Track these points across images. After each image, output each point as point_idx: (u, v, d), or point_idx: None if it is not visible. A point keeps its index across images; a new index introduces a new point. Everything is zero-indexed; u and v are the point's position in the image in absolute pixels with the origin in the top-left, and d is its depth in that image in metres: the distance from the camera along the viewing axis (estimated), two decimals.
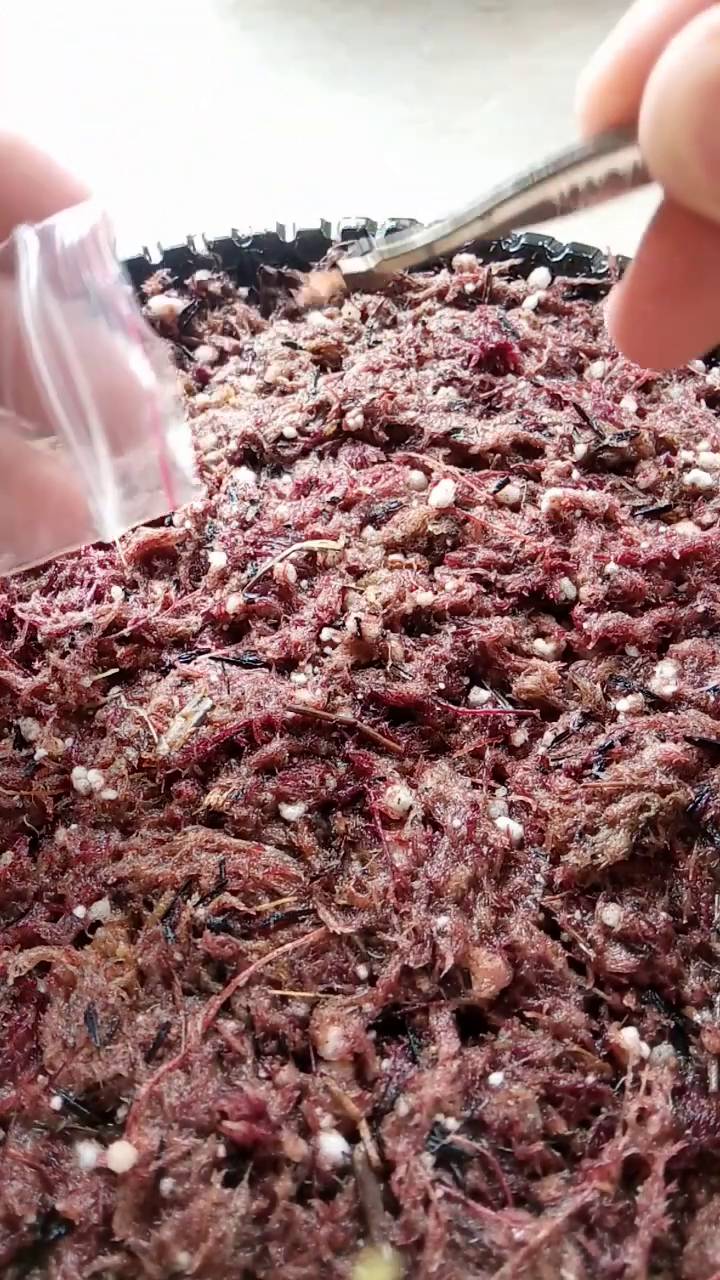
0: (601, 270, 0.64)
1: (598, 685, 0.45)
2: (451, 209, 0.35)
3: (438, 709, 0.44)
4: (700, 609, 0.47)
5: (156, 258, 0.64)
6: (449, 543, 0.50)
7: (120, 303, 0.35)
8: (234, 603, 0.47)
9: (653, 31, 0.26)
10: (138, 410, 0.35)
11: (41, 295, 0.34)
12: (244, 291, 0.66)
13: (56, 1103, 0.34)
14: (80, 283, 0.34)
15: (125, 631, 0.46)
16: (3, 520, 0.37)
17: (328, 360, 0.60)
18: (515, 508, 0.51)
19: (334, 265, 0.37)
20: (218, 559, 0.48)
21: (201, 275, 0.64)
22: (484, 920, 0.37)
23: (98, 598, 0.48)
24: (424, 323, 0.61)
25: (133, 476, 0.36)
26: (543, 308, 0.63)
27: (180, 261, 0.65)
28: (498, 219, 0.34)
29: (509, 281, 0.64)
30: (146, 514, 0.38)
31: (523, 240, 0.65)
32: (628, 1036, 0.36)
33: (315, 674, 0.44)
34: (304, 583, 0.48)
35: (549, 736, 0.44)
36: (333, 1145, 0.33)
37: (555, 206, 0.33)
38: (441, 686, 0.45)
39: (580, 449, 0.53)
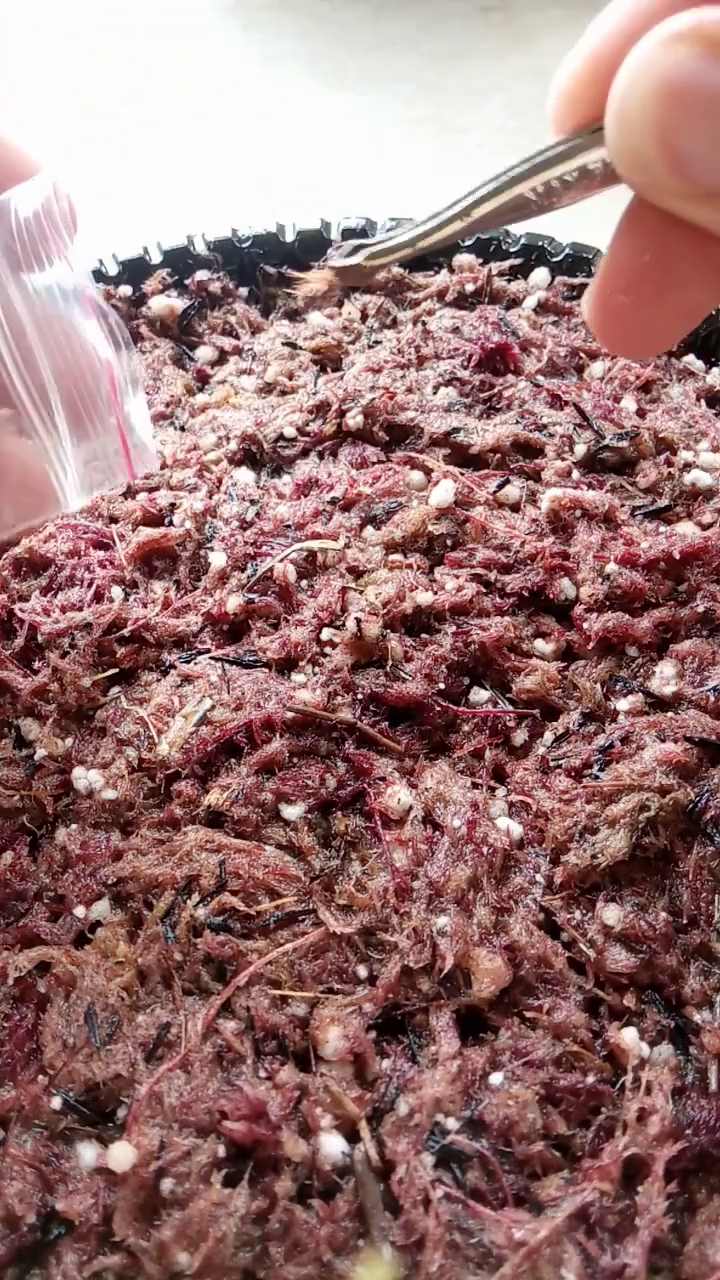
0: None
1: (598, 685, 0.45)
2: (433, 207, 0.37)
3: (438, 709, 0.44)
4: (700, 609, 0.47)
5: (156, 258, 0.64)
6: (449, 543, 0.50)
7: (75, 275, 0.35)
8: (234, 603, 0.47)
9: (617, 37, 0.28)
10: (96, 382, 0.35)
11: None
12: (244, 291, 0.66)
13: (56, 1103, 0.34)
14: (36, 256, 0.34)
15: (125, 631, 0.46)
16: None
17: (328, 360, 0.60)
18: (515, 508, 0.51)
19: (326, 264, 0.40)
20: (218, 559, 0.48)
21: (201, 275, 0.64)
22: (484, 920, 0.37)
23: (98, 598, 0.48)
24: (424, 323, 0.61)
25: (92, 447, 0.36)
26: (543, 308, 0.63)
27: (180, 261, 0.65)
28: (476, 215, 0.36)
29: (509, 281, 0.64)
30: (106, 485, 0.38)
31: (523, 240, 0.65)
32: (628, 1036, 0.36)
33: (315, 674, 0.44)
34: (304, 583, 0.48)
35: (549, 736, 0.44)
36: (333, 1145, 0.33)
37: (531, 203, 0.35)
38: (441, 686, 0.45)
39: (580, 449, 0.53)
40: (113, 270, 0.64)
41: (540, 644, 0.47)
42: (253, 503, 0.51)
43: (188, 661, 0.46)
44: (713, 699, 0.44)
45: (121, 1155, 0.32)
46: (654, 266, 0.32)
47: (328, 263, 0.40)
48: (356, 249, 0.39)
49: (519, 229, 0.66)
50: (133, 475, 0.38)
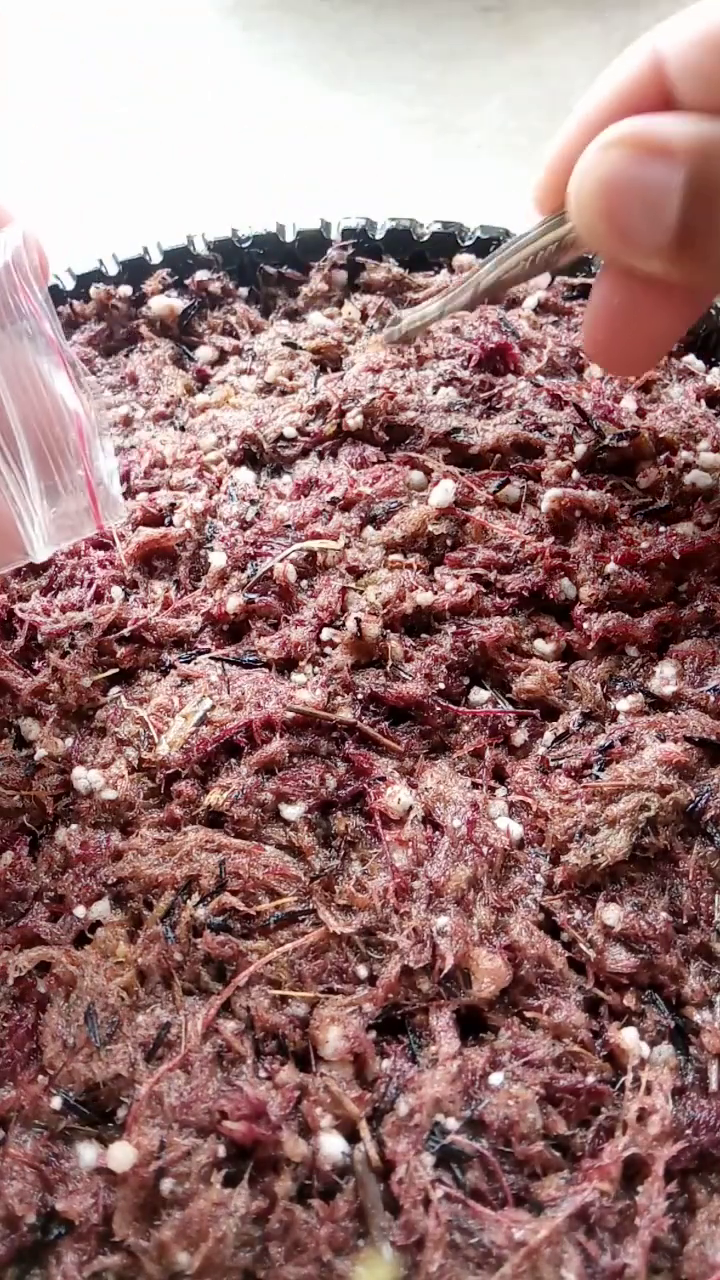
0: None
1: (598, 685, 0.45)
2: (453, 281, 0.50)
3: (438, 709, 0.44)
4: (700, 609, 0.47)
5: (156, 258, 0.64)
6: (449, 543, 0.50)
7: (45, 325, 0.35)
8: (234, 603, 0.47)
9: (572, 144, 0.39)
10: (65, 433, 0.36)
11: None
12: (244, 291, 0.66)
13: (56, 1103, 0.34)
14: (5, 307, 0.35)
15: (125, 631, 0.46)
16: None
17: (328, 360, 0.60)
18: (515, 508, 0.51)
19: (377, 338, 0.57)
20: (218, 559, 0.48)
21: (201, 275, 0.64)
22: (484, 920, 0.37)
23: (98, 598, 0.48)
24: None
25: (60, 500, 0.37)
26: (543, 308, 0.63)
27: (180, 261, 0.65)
28: (484, 285, 0.48)
29: None
30: (74, 534, 0.39)
31: None
32: (628, 1036, 0.36)
33: (315, 674, 0.44)
34: (304, 583, 0.48)
35: (549, 736, 0.44)
36: (333, 1145, 0.33)
37: (527, 271, 0.46)
38: (441, 686, 0.45)
39: (580, 449, 0.53)
40: (113, 270, 0.64)
41: (540, 644, 0.47)
42: (253, 503, 0.51)
43: (188, 661, 0.46)
44: (713, 699, 0.44)
45: (121, 1155, 0.32)
46: (623, 306, 0.42)
47: (379, 337, 0.56)
48: (397, 320, 0.55)
49: (519, 229, 0.65)
50: (100, 526, 0.39)
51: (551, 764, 0.43)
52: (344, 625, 0.45)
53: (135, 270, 0.64)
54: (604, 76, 0.39)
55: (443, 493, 0.50)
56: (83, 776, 0.42)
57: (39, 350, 0.36)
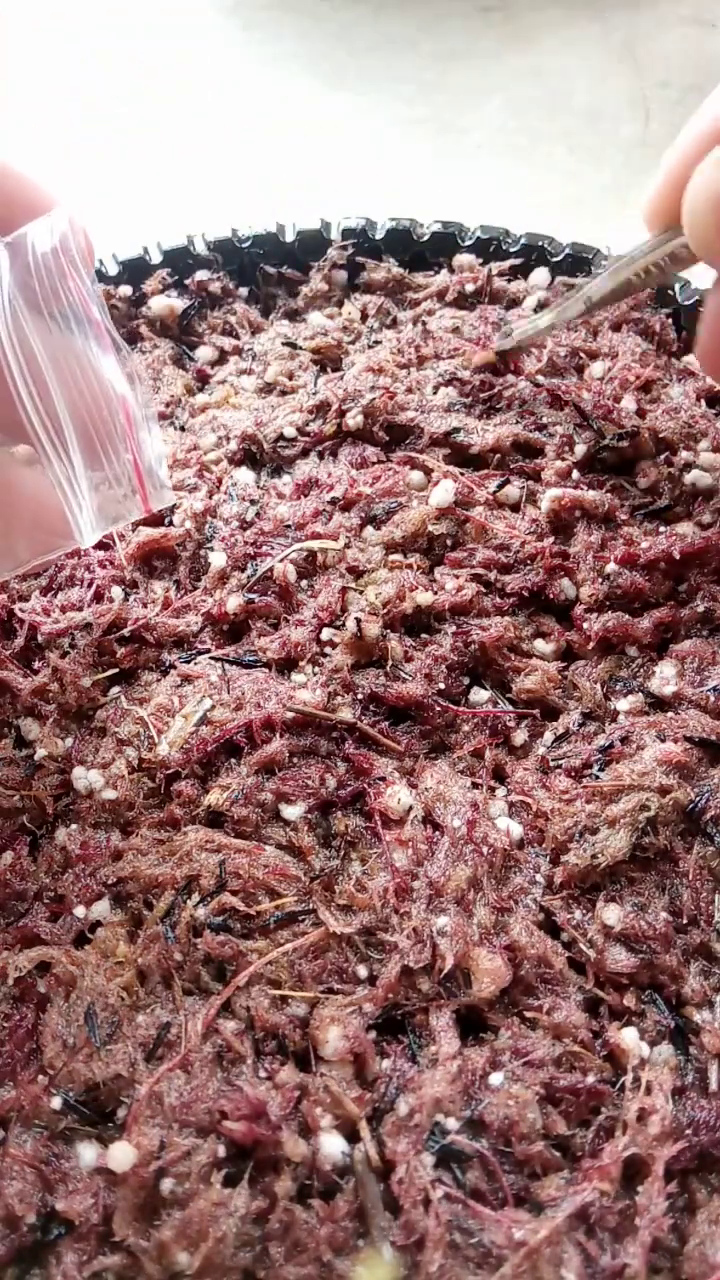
0: (601, 270, 0.64)
1: (598, 685, 0.45)
2: (565, 297, 0.52)
3: (438, 709, 0.44)
4: (700, 609, 0.47)
5: (156, 258, 0.64)
6: (449, 543, 0.50)
7: (92, 310, 0.35)
8: (234, 603, 0.47)
9: (684, 163, 0.41)
10: (112, 417, 0.36)
11: (14, 307, 0.34)
12: (244, 291, 0.66)
13: (56, 1103, 0.34)
14: (53, 292, 0.35)
15: (125, 631, 0.46)
16: None
17: (328, 360, 0.60)
18: (515, 508, 0.51)
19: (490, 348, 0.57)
20: (218, 559, 0.48)
21: (201, 275, 0.64)
22: (484, 920, 0.37)
23: (98, 598, 0.48)
24: (424, 323, 0.61)
25: (108, 483, 0.37)
26: (543, 308, 0.63)
27: (180, 261, 0.65)
28: (596, 298, 0.50)
29: (509, 281, 0.64)
30: (121, 519, 0.38)
31: (523, 240, 0.65)
32: (628, 1036, 0.36)
33: (315, 674, 0.44)
34: (304, 583, 0.48)
35: (549, 736, 0.44)
36: (333, 1145, 0.33)
37: (634, 285, 0.49)
38: (441, 686, 0.45)
39: (580, 449, 0.53)
40: (113, 270, 0.64)
41: (540, 644, 0.47)
42: (253, 503, 0.51)
43: (188, 661, 0.46)
44: (713, 699, 0.44)
45: (121, 1155, 0.32)
46: None
47: (491, 347, 0.57)
48: (509, 331, 0.56)
49: (519, 229, 0.66)
50: (148, 510, 0.39)
51: (551, 764, 0.43)
52: (344, 625, 0.45)
53: (135, 270, 0.64)
54: (719, 92, 0.41)
55: (443, 493, 0.50)
56: (83, 776, 0.42)
57: (87, 334, 0.35)
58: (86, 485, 0.36)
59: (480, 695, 0.45)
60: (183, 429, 0.57)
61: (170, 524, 0.51)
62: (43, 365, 0.34)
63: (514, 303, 0.63)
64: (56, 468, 0.35)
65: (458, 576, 0.48)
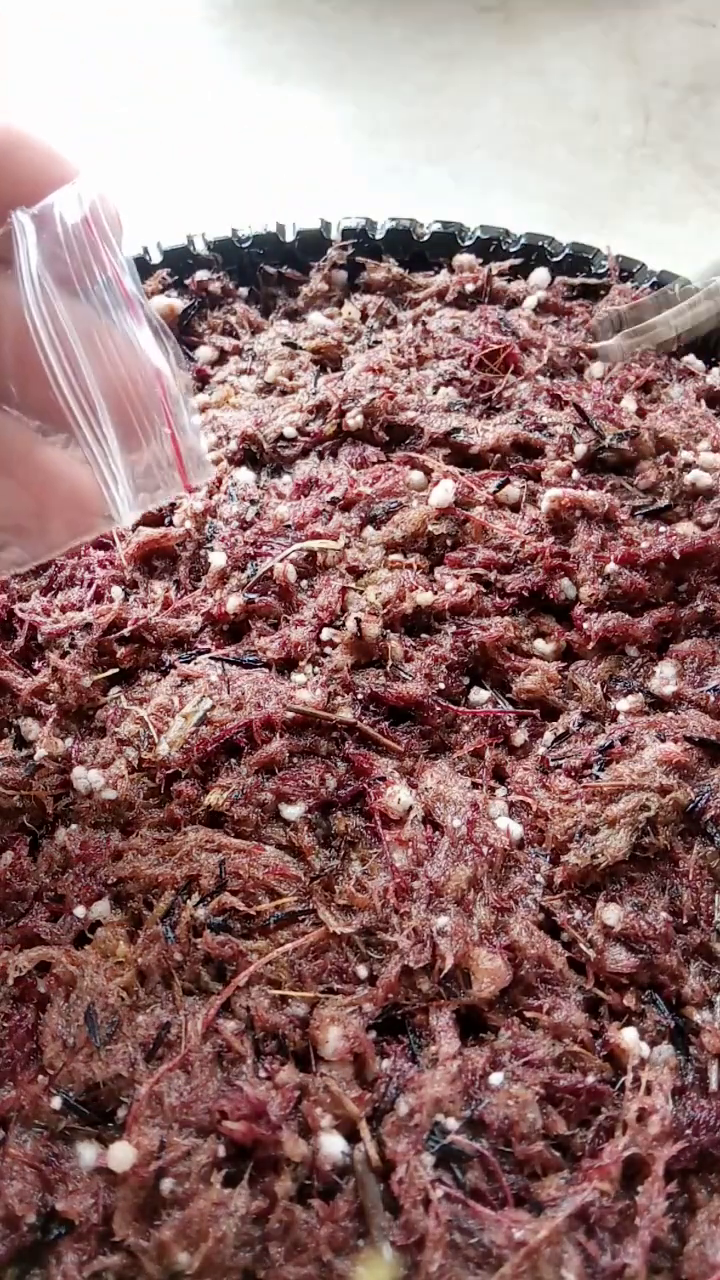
0: (601, 270, 0.64)
1: (598, 685, 0.45)
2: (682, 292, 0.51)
3: (438, 709, 0.44)
4: (700, 609, 0.47)
5: (156, 258, 0.64)
6: (449, 543, 0.50)
7: (126, 284, 0.34)
8: (234, 603, 0.47)
9: None
10: (147, 392, 0.34)
11: (42, 280, 0.33)
12: (244, 291, 0.66)
13: (56, 1103, 0.34)
14: (84, 265, 0.33)
15: (125, 631, 0.46)
16: (13, 511, 0.36)
17: (328, 360, 0.60)
18: (515, 508, 0.51)
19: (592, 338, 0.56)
20: (218, 559, 0.48)
21: (201, 275, 0.64)
22: (484, 920, 0.37)
23: (98, 598, 0.48)
24: (424, 323, 0.61)
25: (144, 459, 0.36)
26: (543, 308, 0.63)
27: (180, 261, 0.65)
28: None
29: (509, 281, 0.64)
30: (161, 497, 0.37)
31: (523, 240, 0.65)
32: (628, 1036, 0.36)
33: (315, 674, 0.44)
34: (304, 583, 0.48)
35: (549, 736, 0.44)
36: (333, 1145, 0.33)
37: None
38: (441, 686, 0.45)
39: (580, 449, 0.53)
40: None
41: (540, 644, 0.47)
42: (253, 503, 0.51)
43: (188, 661, 0.46)
44: (713, 699, 0.44)
45: (121, 1155, 0.32)
46: None
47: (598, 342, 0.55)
48: (619, 330, 0.55)
49: (519, 229, 0.66)
50: (187, 485, 0.37)
51: (551, 764, 0.43)
52: (344, 625, 0.45)
53: (135, 270, 0.64)
54: None
55: (443, 493, 0.50)
56: (83, 776, 0.42)
57: (120, 307, 0.34)
58: (122, 463, 0.35)
59: (480, 695, 0.45)
60: None
61: (170, 524, 0.51)
62: (74, 342, 0.33)
63: (514, 303, 0.63)
64: (92, 445, 0.34)
65: (458, 576, 0.48)
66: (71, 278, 0.33)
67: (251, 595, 0.47)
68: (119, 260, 0.34)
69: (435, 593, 0.47)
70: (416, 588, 0.47)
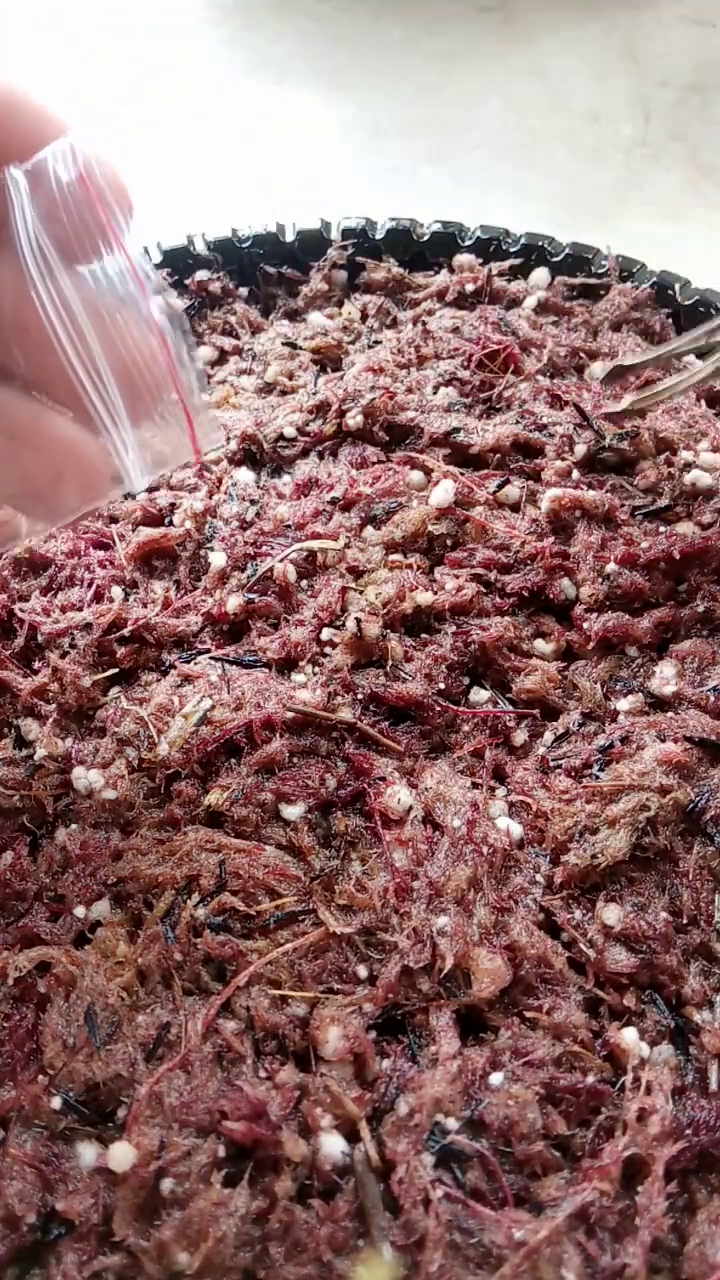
0: (601, 270, 0.64)
1: (598, 685, 0.45)
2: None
3: (438, 709, 0.44)
4: (700, 609, 0.47)
5: (156, 258, 0.64)
6: (449, 543, 0.50)
7: (125, 244, 0.33)
8: (234, 603, 0.47)
9: None
10: (152, 358, 0.34)
11: (40, 242, 0.31)
12: (244, 291, 0.66)
13: (56, 1103, 0.34)
14: (81, 224, 0.32)
15: (125, 631, 0.46)
16: (29, 478, 0.35)
17: (328, 360, 0.60)
18: (515, 508, 0.51)
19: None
20: (218, 559, 0.48)
21: (201, 275, 0.64)
22: (484, 920, 0.37)
23: (98, 598, 0.48)
24: (424, 323, 0.61)
25: (154, 424, 0.35)
26: (543, 308, 0.63)
27: (180, 261, 0.65)
28: None
29: (509, 281, 0.64)
30: (173, 461, 0.37)
31: (523, 240, 0.65)
32: (628, 1036, 0.36)
33: (315, 674, 0.44)
34: (304, 583, 0.48)
35: (549, 736, 0.44)
36: (333, 1145, 0.33)
37: None
38: (441, 686, 0.45)
39: (580, 449, 0.53)
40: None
41: (540, 644, 0.47)
42: (253, 503, 0.51)
43: (188, 661, 0.46)
44: (713, 699, 0.44)
45: (121, 1155, 0.32)
46: None
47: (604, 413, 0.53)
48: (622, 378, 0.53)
49: (519, 229, 0.66)
50: (197, 451, 0.37)
51: (551, 764, 0.43)
52: (344, 625, 0.45)
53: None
54: None
55: (443, 493, 0.50)
56: (83, 776, 0.42)
57: (123, 273, 0.33)
58: (130, 429, 0.34)
59: (480, 695, 0.45)
60: None
61: (170, 524, 0.51)
62: (77, 308, 0.32)
63: (514, 303, 0.63)
64: (101, 413, 0.34)
65: (458, 576, 0.48)
66: (69, 238, 0.32)
67: (251, 595, 0.47)
68: (119, 220, 0.33)
69: (435, 593, 0.47)
70: (416, 588, 0.47)
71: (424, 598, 0.46)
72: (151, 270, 0.34)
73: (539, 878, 0.40)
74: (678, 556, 0.47)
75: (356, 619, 0.44)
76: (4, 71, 0.32)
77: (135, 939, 0.38)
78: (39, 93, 0.33)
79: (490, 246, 0.65)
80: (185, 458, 0.37)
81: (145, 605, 0.48)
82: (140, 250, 0.34)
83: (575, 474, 0.52)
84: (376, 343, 0.60)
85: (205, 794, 0.41)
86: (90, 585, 0.48)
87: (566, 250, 0.65)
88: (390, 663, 0.45)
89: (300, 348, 0.60)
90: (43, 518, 0.38)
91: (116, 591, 0.48)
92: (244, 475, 0.53)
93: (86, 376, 0.33)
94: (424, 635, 0.47)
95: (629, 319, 0.61)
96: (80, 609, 0.47)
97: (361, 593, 0.47)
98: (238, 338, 0.63)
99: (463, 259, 0.65)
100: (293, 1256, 0.32)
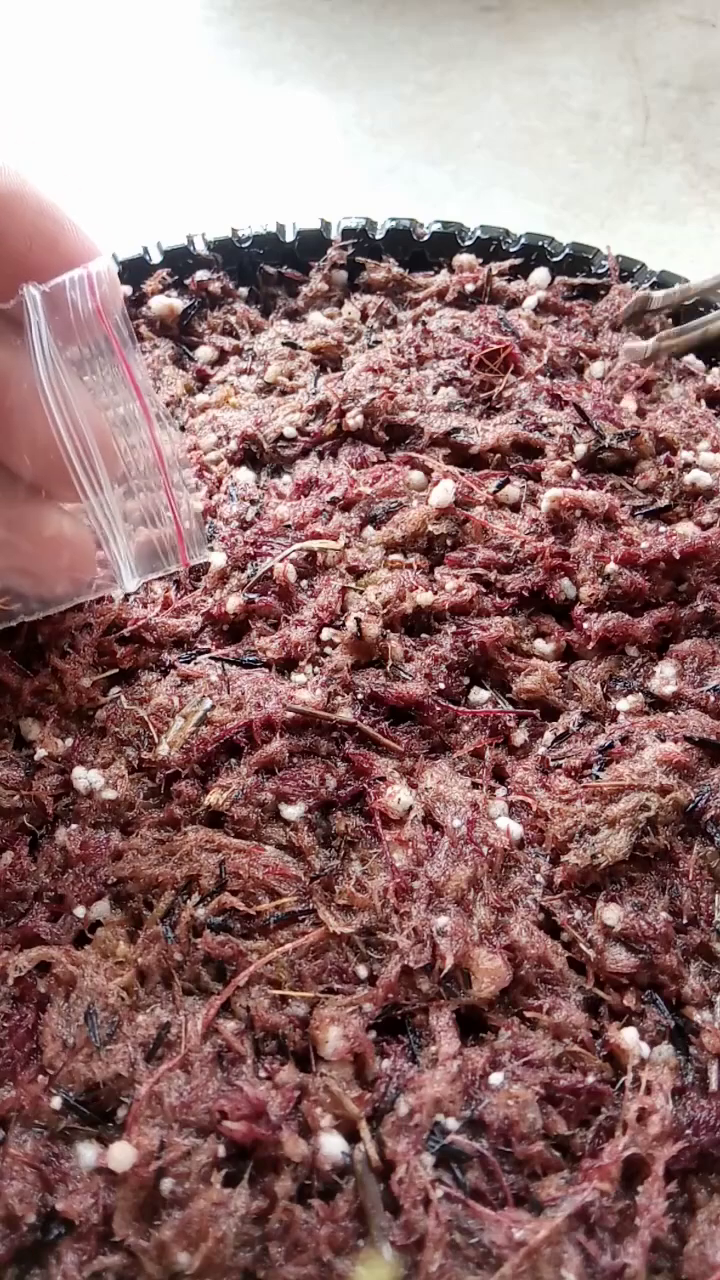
0: (601, 270, 0.64)
1: (598, 685, 0.45)
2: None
3: (438, 709, 0.44)
4: (700, 609, 0.47)
5: (156, 258, 0.64)
6: (449, 543, 0.50)
7: (135, 376, 0.36)
8: (234, 603, 0.47)
9: None
10: (152, 478, 0.38)
11: (54, 361, 0.34)
12: (244, 291, 0.66)
13: (56, 1103, 0.34)
14: (94, 350, 0.36)
15: (125, 631, 0.46)
16: (27, 566, 0.39)
17: (328, 360, 0.60)
18: (515, 508, 0.51)
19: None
20: (218, 559, 0.48)
21: (201, 275, 0.64)
22: (484, 920, 0.37)
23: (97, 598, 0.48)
24: (424, 323, 0.61)
25: (149, 538, 0.39)
26: (543, 308, 0.63)
27: (180, 261, 0.65)
28: None
29: (509, 281, 0.64)
30: (161, 570, 0.40)
31: (523, 240, 0.65)
32: (628, 1036, 0.36)
33: (315, 674, 0.44)
34: (304, 583, 0.48)
35: (549, 736, 0.44)
36: (333, 1145, 0.33)
37: None
38: (441, 686, 0.45)
39: (580, 449, 0.53)
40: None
41: (540, 644, 0.47)
42: (253, 503, 0.51)
43: (188, 661, 0.46)
44: (713, 699, 0.44)
45: (121, 1155, 0.32)
46: None
47: (622, 351, 0.50)
48: (651, 335, 0.49)
49: (519, 229, 0.66)
50: (186, 563, 0.41)
51: (551, 764, 0.43)
52: (344, 625, 0.45)
53: (135, 270, 0.64)
54: None
55: (443, 493, 0.50)
56: (83, 776, 0.42)
57: (128, 394, 0.37)
58: (125, 538, 0.38)
59: (480, 695, 0.45)
60: (183, 429, 0.57)
61: None
62: (85, 427, 0.35)
63: (514, 303, 0.63)
64: (101, 523, 0.37)
65: (458, 576, 0.48)
66: (81, 360, 0.36)
67: (251, 595, 0.47)
68: (128, 349, 0.36)
69: (435, 593, 0.47)
70: (416, 588, 0.47)
71: (424, 598, 0.46)
72: (154, 394, 0.38)
73: (539, 878, 0.40)
74: (678, 556, 0.47)
75: (356, 619, 0.44)
76: (42, 190, 0.34)
77: (135, 939, 0.38)
78: (66, 208, 0.36)
79: (490, 246, 0.65)
80: (174, 567, 0.41)
81: (145, 605, 0.48)
82: (145, 375, 0.37)
83: (575, 474, 0.52)
84: (376, 343, 0.60)
85: (205, 794, 0.41)
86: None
87: (566, 250, 0.65)
88: (390, 663, 0.45)
89: (300, 348, 0.60)
90: (37, 599, 0.41)
91: (116, 591, 0.48)
92: (244, 475, 0.53)
93: (89, 486, 0.36)
94: (424, 635, 0.47)
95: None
96: (80, 609, 0.47)
97: (361, 593, 0.47)
98: (238, 338, 0.63)
99: (463, 259, 0.65)
100: (293, 1256, 0.32)
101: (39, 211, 0.35)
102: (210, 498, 0.52)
